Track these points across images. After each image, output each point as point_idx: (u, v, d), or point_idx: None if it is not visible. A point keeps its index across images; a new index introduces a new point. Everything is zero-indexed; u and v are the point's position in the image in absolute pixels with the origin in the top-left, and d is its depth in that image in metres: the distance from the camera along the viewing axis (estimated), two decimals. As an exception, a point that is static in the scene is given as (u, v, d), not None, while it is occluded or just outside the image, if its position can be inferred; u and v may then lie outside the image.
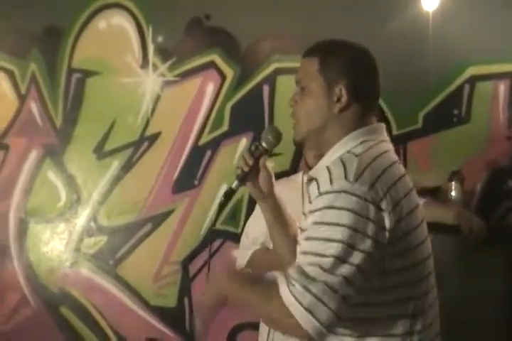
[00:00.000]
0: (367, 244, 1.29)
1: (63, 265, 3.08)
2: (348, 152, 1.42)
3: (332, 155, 1.45)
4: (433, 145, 2.94)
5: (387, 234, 1.32)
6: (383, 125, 1.54)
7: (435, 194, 2.87)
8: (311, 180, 1.44)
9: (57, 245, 3.09)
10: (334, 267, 1.27)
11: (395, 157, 1.48)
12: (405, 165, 2.91)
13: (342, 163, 1.37)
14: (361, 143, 1.44)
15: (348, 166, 1.35)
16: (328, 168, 1.38)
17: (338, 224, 1.28)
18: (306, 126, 1.49)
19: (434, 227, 2.46)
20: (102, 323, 3.08)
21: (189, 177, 3.02)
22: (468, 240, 2.35)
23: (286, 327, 1.34)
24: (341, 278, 1.27)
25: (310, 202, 1.37)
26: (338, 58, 1.48)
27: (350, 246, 1.27)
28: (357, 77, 1.47)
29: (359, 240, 1.28)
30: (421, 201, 2.44)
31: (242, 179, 1.60)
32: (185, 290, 3.04)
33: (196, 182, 3.01)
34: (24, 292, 3.09)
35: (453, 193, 2.72)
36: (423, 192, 2.84)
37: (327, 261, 1.27)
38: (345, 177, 1.32)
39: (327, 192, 1.32)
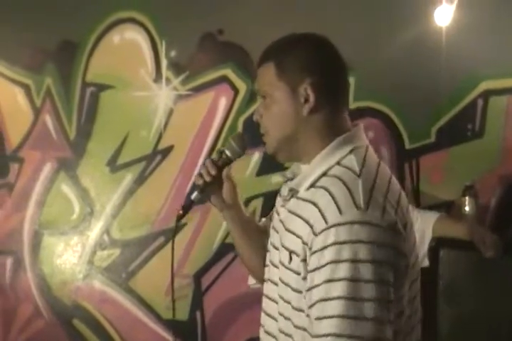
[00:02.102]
0: (390, 275, 1.18)
1: (76, 277, 3.10)
2: (339, 164, 1.29)
3: (319, 165, 1.31)
4: (446, 160, 2.93)
5: (406, 258, 1.23)
6: (361, 125, 1.42)
7: (448, 209, 2.86)
8: (292, 191, 1.34)
9: (70, 257, 3.10)
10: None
11: (387, 168, 1.38)
12: (418, 180, 2.92)
13: (344, 185, 1.23)
14: (351, 151, 1.31)
15: (354, 190, 1.21)
16: (327, 190, 1.24)
17: (358, 261, 1.16)
18: (275, 136, 1.35)
19: (449, 242, 2.47)
20: (115, 336, 3.09)
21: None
22: (483, 255, 2.34)
23: None
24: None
25: (314, 233, 1.21)
26: (294, 56, 1.34)
27: (376, 282, 1.16)
28: (320, 73, 1.32)
29: (383, 273, 1.17)
30: (435, 215, 2.45)
31: (203, 190, 1.52)
32: (197, 303, 3.04)
33: (209, 196, 3.01)
34: (37, 303, 3.11)
35: (467, 208, 2.70)
36: (436, 207, 2.84)
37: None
38: (355, 205, 1.19)
39: (338, 224, 1.18)
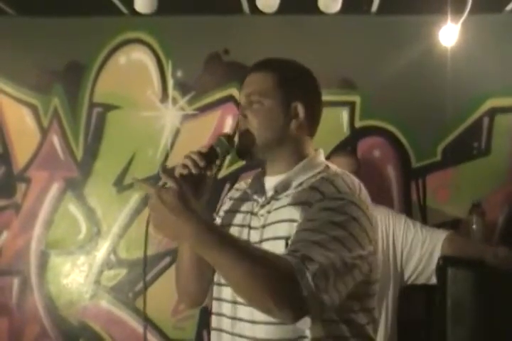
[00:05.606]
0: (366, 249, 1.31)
1: (83, 297, 3.09)
2: (324, 172, 1.42)
3: (302, 173, 1.42)
4: (452, 178, 2.93)
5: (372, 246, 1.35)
6: (321, 150, 1.53)
7: (455, 226, 2.85)
8: (275, 194, 1.42)
9: (77, 277, 3.10)
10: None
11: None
12: (424, 198, 2.92)
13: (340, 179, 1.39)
14: (326, 167, 1.44)
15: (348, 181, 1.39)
16: (329, 180, 1.38)
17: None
18: (264, 134, 1.42)
19: (457, 261, 2.46)
20: (121, 356, 3.08)
21: (208, 210, 3.02)
22: (498, 268, 2.34)
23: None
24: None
25: (320, 200, 1.33)
26: (296, 76, 1.46)
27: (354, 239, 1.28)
28: (312, 98, 1.47)
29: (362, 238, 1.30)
30: (444, 233, 2.46)
31: (184, 181, 1.34)
32: (203, 323, 3.02)
33: (215, 216, 3.00)
34: (44, 324, 3.10)
35: (474, 226, 2.70)
36: (443, 225, 2.83)
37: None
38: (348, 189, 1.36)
39: (340, 198, 1.33)
